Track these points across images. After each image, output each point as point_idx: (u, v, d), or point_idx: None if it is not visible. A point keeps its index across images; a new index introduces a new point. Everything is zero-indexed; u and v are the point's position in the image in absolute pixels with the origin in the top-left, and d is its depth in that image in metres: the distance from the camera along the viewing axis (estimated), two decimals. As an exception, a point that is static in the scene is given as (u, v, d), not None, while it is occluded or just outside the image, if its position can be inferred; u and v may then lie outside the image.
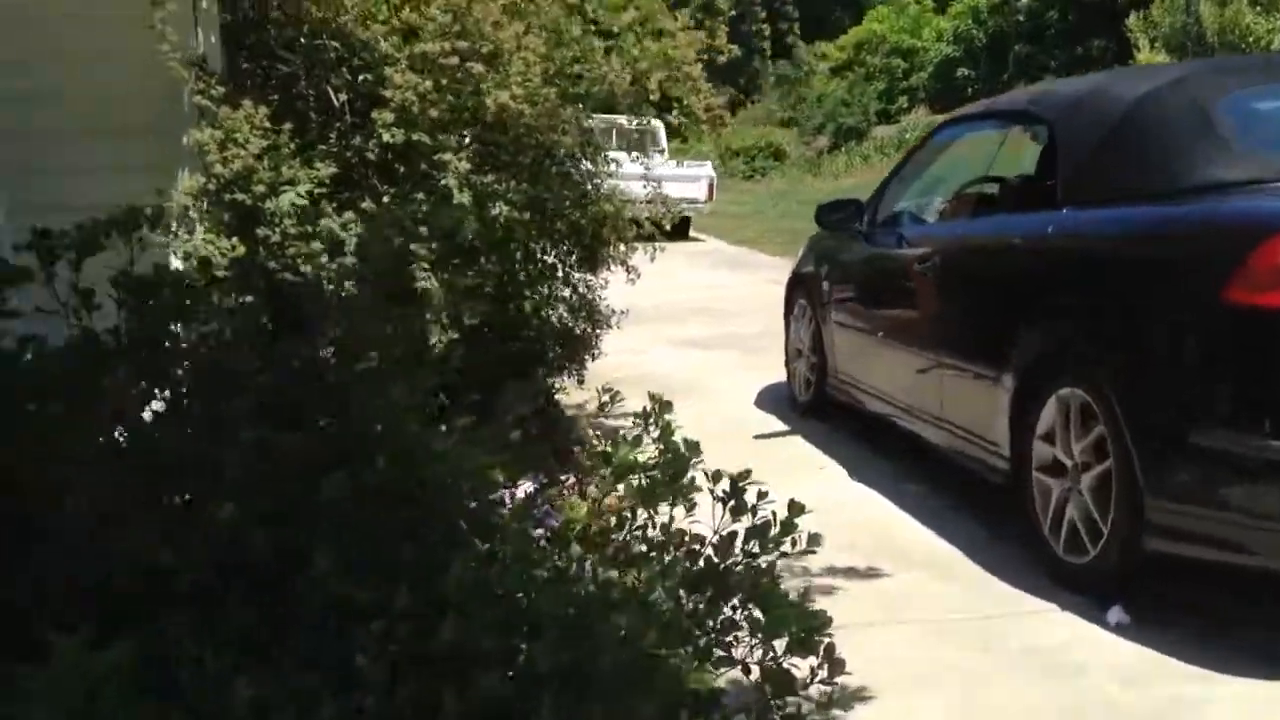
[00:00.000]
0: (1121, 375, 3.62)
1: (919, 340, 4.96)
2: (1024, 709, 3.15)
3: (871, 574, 4.05)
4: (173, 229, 4.47)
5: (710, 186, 17.86)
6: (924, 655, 3.48)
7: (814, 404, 6.29)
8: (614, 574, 2.39)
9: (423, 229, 4.76)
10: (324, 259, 4.69)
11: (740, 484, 2.42)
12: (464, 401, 3.03)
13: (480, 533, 2.38)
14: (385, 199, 4.82)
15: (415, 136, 4.61)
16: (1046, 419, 3.97)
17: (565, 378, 6.27)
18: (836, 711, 3.13)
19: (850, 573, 4.04)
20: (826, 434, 6.01)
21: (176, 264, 4.64)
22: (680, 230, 17.75)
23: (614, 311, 6.08)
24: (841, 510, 4.75)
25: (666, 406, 2.80)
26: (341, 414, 2.44)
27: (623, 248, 5.66)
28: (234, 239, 4.52)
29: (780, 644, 2.37)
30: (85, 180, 4.23)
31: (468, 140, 5.02)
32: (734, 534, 2.39)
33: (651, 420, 2.86)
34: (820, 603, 3.76)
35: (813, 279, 6.34)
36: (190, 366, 2.31)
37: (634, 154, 5.97)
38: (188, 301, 2.42)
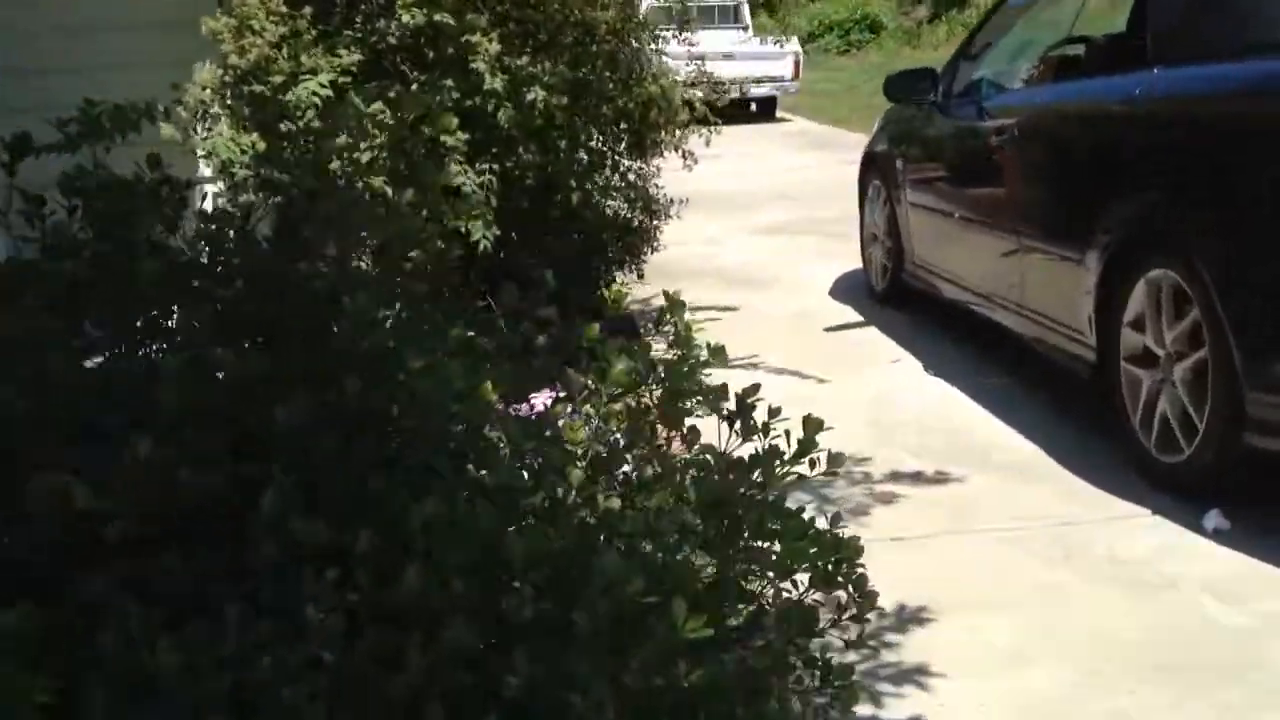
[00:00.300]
0: (1217, 254, 3.21)
1: (997, 220, 4.54)
2: (1105, 630, 2.82)
3: (941, 478, 3.72)
4: (192, 126, 4.24)
5: (796, 64, 17.16)
6: (995, 569, 3.16)
7: (891, 292, 5.90)
8: (616, 504, 2.11)
9: (454, 118, 4.45)
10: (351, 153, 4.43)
11: (748, 400, 2.09)
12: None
13: (462, 461, 2.12)
14: (415, 87, 4.51)
15: (438, 17, 4.28)
16: (1135, 304, 3.57)
17: (626, 272, 5.98)
18: (892, 636, 2.88)
19: (917, 478, 3.71)
20: (904, 324, 5.63)
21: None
22: (766, 110, 17.17)
23: (673, 201, 5.73)
24: (913, 407, 4.43)
25: (679, 306, 2.48)
26: (310, 328, 2.18)
27: (677, 133, 5.28)
28: (254, 135, 4.27)
29: (803, 577, 2.09)
30: (100, 77, 3.99)
31: (501, 19, 4.67)
32: (741, 458, 2.08)
33: (668, 322, 2.56)
34: (879, 513, 3.49)
35: (886, 158, 5.91)
36: (127, 276, 2.05)
37: (676, 31, 5.48)
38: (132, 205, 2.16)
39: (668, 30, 5.37)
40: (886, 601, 2.91)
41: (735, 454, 2.12)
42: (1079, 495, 3.55)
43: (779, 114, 17.37)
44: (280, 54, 4.35)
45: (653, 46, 5.10)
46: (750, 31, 17.46)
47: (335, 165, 4.46)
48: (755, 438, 2.10)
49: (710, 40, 15.36)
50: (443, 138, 4.46)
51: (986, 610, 2.93)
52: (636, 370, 2.25)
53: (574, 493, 2.15)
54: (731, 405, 2.16)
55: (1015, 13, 5.26)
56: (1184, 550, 3.15)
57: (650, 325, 5.84)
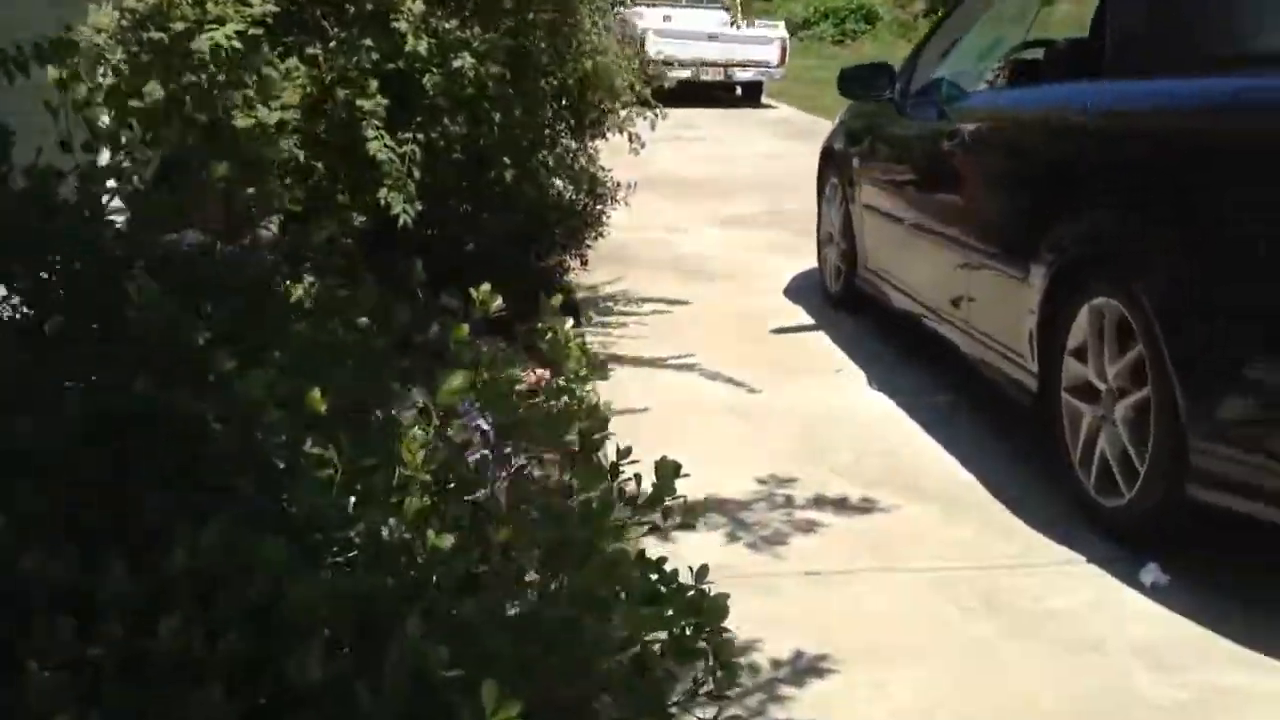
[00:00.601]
0: (1163, 286, 2.95)
1: (946, 230, 4.25)
2: (1021, 695, 2.54)
3: (867, 506, 3.43)
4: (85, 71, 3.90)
5: (783, 49, 16.79)
6: (912, 615, 2.87)
7: (844, 295, 5.60)
8: (448, 541, 1.81)
9: (373, 81, 4.14)
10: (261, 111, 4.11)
11: (595, 437, 1.79)
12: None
13: (276, 483, 1.82)
14: (333, 44, 4.19)
15: (348, -35, 3.96)
16: (1078, 332, 3.30)
17: (570, 257, 5.70)
18: (786, 689, 2.59)
19: (841, 505, 3.42)
20: (853, 330, 5.34)
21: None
22: (751, 96, 16.84)
23: (619, 185, 5.43)
24: (848, 424, 4.13)
25: (556, 314, 2.19)
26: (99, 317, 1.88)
27: (621, 113, 4.97)
28: (152, 85, 3.95)
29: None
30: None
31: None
32: (587, 499, 1.78)
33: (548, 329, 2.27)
34: (796, 543, 3.19)
35: (843, 155, 5.60)
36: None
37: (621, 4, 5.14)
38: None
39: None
40: (786, 646, 2.65)
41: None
42: (1012, 534, 3.27)
43: (764, 100, 17.02)
44: (184, -1, 4.02)
45: (593, 20, 4.76)
46: (739, 13, 17.09)
47: (241, 124, 4.17)
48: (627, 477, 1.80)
49: (694, 20, 15.10)
50: (359, 102, 4.16)
51: (895, 662, 2.64)
52: (479, 385, 1.94)
53: (403, 526, 1.87)
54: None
55: (978, 9, 4.96)
56: (1117, 607, 2.88)
57: (592, 314, 5.56)
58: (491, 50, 4.30)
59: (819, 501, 3.42)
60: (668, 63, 12.94)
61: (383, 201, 4.23)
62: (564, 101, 4.80)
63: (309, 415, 1.92)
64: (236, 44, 4.01)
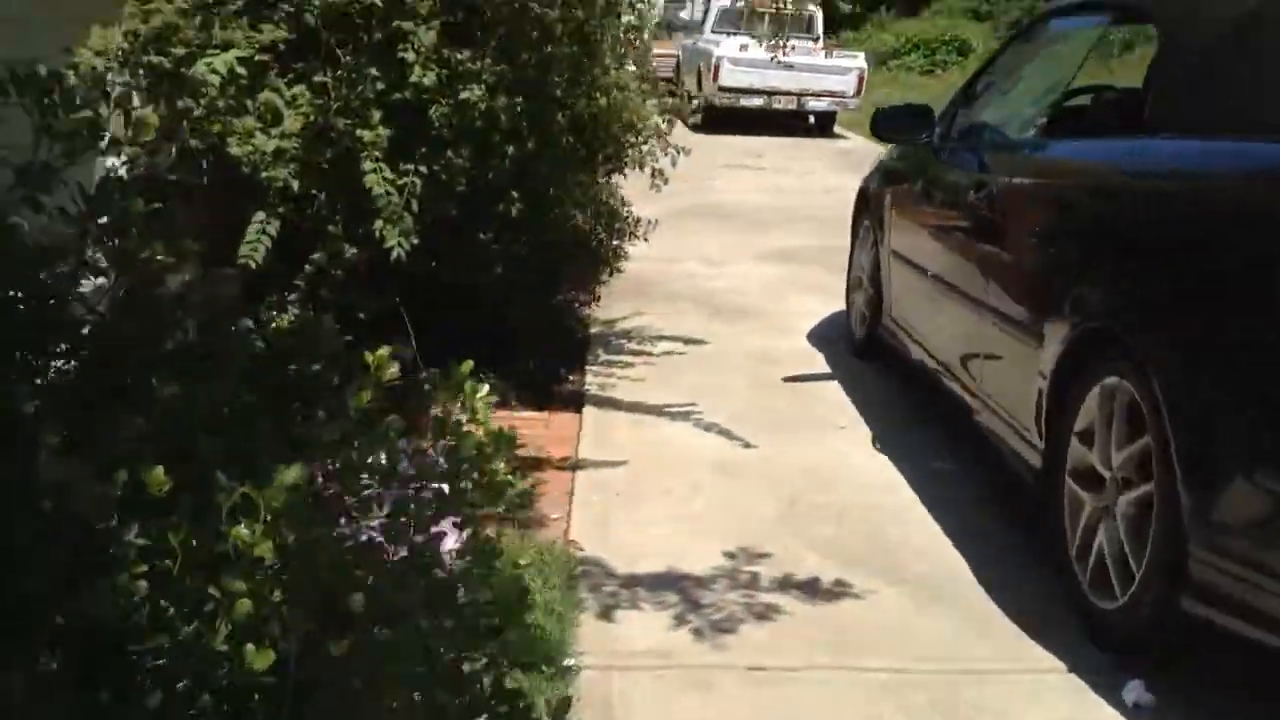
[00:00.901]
0: (1179, 370, 2.68)
1: (967, 285, 3.99)
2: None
3: (839, 591, 3.17)
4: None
5: (860, 79, 16.45)
6: (860, 727, 2.61)
7: (868, 344, 5.35)
8: (267, 660, 1.59)
9: (375, 112, 4.00)
10: (260, 138, 4.00)
11: (427, 555, 1.60)
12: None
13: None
14: (340, 73, 4.07)
15: (359, -8, 3.85)
16: (1087, 413, 3.03)
17: (583, 294, 5.54)
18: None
19: (809, 588, 3.16)
20: (871, 382, 5.07)
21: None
22: (823, 126, 16.54)
23: (639, 221, 5.24)
24: (839, 489, 3.88)
25: (455, 382, 1.99)
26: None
27: (644, 149, 4.78)
28: (151, 109, 3.85)
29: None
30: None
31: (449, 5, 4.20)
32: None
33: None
34: (748, 632, 2.92)
35: (877, 198, 5.35)
36: None
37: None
38: None
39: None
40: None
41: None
42: (990, 631, 3.00)
43: (836, 129, 16.70)
44: (188, 22, 3.92)
45: (615, 53, 4.57)
46: (820, 43, 16.81)
47: (238, 152, 4.06)
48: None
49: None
50: (360, 133, 4.03)
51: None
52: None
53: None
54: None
55: (1037, 47, 4.68)
56: (1092, 730, 2.60)
57: (600, 352, 5.35)
58: (502, 82, 4.17)
59: (785, 583, 3.17)
60: (739, 90, 12.73)
61: (378, 234, 4.10)
62: (582, 135, 4.61)
63: (149, 496, 1.75)
64: (239, 70, 3.92)
